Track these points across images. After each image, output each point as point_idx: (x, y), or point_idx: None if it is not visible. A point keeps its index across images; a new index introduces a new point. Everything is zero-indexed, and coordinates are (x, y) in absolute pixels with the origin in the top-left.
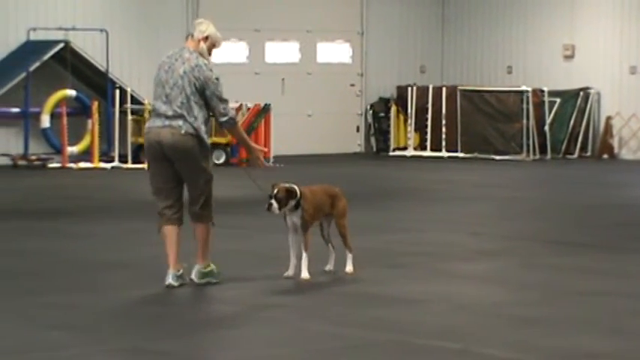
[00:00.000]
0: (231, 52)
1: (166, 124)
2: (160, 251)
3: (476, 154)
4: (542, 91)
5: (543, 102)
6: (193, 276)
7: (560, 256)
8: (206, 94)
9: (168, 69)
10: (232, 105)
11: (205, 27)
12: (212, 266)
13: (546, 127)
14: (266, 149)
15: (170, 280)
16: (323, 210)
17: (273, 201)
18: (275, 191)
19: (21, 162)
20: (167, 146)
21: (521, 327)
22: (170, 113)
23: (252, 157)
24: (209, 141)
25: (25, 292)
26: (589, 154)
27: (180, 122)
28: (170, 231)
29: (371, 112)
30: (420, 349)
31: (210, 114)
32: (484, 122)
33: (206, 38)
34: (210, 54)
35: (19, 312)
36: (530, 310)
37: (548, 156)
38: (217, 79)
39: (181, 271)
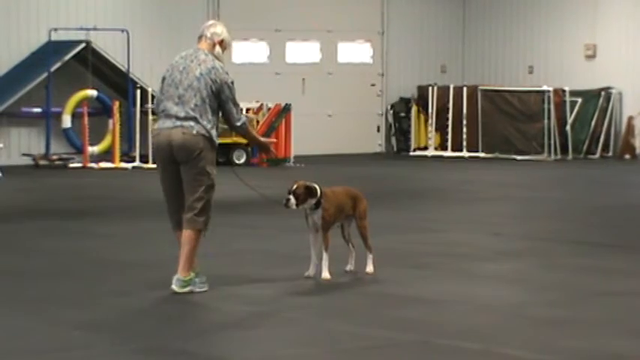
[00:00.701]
0: (251, 52)
1: (177, 125)
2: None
3: (497, 154)
4: (564, 91)
5: (565, 102)
6: (174, 286)
7: (582, 256)
8: (221, 98)
9: (182, 69)
10: (253, 105)
11: (220, 30)
12: (192, 274)
13: (568, 127)
14: (275, 140)
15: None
16: (344, 211)
17: (290, 196)
18: (294, 187)
19: (42, 162)
20: (177, 146)
21: (544, 327)
22: (182, 115)
23: (266, 150)
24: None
25: (48, 292)
26: (610, 154)
27: (192, 123)
28: (181, 236)
29: (391, 112)
30: (442, 350)
31: (223, 118)
32: (505, 122)
33: (221, 42)
34: (223, 52)
35: (42, 312)
36: (552, 311)
37: (570, 156)
38: (232, 82)
39: (197, 271)
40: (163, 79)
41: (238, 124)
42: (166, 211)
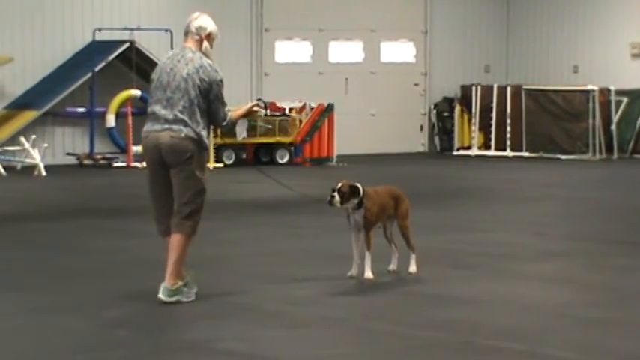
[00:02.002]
0: (295, 52)
1: (166, 127)
2: (224, 250)
3: (541, 154)
4: (609, 90)
5: (610, 101)
6: (160, 294)
7: (627, 256)
8: (209, 97)
9: (170, 70)
10: (296, 104)
11: (206, 23)
12: (180, 283)
13: (613, 127)
14: (255, 102)
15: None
16: (386, 211)
17: (335, 194)
18: (339, 185)
19: (87, 161)
20: (165, 149)
21: (588, 328)
22: (171, 117)
23: (251, 113)
24: (210, 143)
25: (91, 291)
26: None
27: (180, 126)
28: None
29: (435, 111)
30: (485, 350)
31: (208, 117)
32: (549, 122)
33: (209, 36)
34: (211, 47)
35: (84, 310)
36: (596, 311)
37: (615, 156)
38: (221, 80)
39: (186, 280)
40: (152, 81)
41: (223, 123)
42: (154, 217)
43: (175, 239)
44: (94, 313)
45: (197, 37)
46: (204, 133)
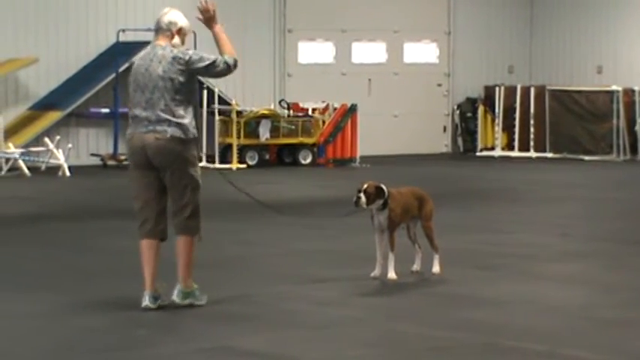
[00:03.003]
0: (318, 53)
1: (150, 129)
2: (246, 251)
3: (564, 155)
4: (633, 91)
5: (634, 102)
6: (175, 297)
7: None
8: (199, 71)
9: (145, 72)
10: (319, 105)
11: (176, 17)
12: (195, 285)
13: (637, 127)
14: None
15: (147, 301)
16: (410, 212)
17: (362, 194)
18: (364, 186)
19: (110, 162)
20: (151, 152)
21: (611, 329)
22: (153, 118)
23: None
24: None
25: (113, 291)
26: None
27: (165, 126)
28: (147, 246)
29: (458, 112)
30: (508, 351)
31: (216, 75)
32: (573, 122)
33: (179, 30)
34: (183, 43)
35: (107, 310)
36: (620, 312)
37: (639, 156)
38: (196, 54)
39: (159, 292)
40: (129, 84)
41: (231, 61)
42: (140, 220)
43: (182, 242)
44: (115, 313)
45: (168, 33)
46: (191, 128)
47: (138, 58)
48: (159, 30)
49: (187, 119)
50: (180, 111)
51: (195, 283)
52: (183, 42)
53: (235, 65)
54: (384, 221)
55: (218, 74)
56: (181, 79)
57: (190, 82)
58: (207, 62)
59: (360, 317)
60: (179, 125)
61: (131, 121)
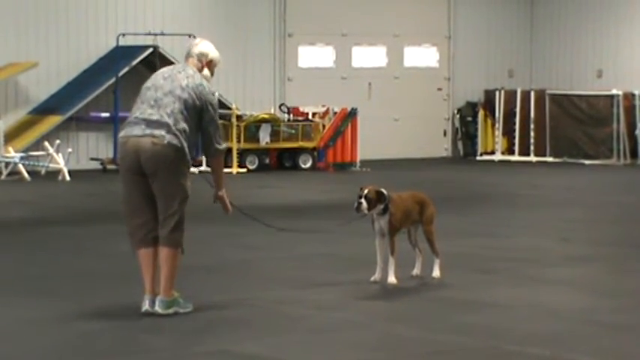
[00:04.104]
0: (318, 57)
1: (147, 133)
2: (247, 255)
3: (565, 159)
4: (633, 95)
5: (634, 106)
6: (157, 307)
7: None
8: (204, 119)
9: (167, 77)
10: (319, 109)
11: (207, 49)
12: (176, 294)
13: (637, 131)
14: (230, 210)
15: (147, 306)
16: (411, 216)
17: (363, 200)
18: (365, 192)
19: (110, 166)
20: (145, 157)
21: (613, 334)
22: (155, 118)
23: (219, 196)
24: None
25: (113, 295)
26: None
27: (163, 132)
28: (144, 255)
29: (458, 116)
30: (509, 355)
31: (202, 143)
32: (573, 126)
33: (210, 62)
34: (212, 75)
35: (107, 314)
36: (621, 317)
37: (639, 160)
38: (217, 104)
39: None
40: (145, 88)
41: (220, 147)
42: (127, 226)
43: (165, 254)
44: (115, 317)
45: (198, 64)
46: (185, 144)
47: (165, 68)
48: (189, 57)
49: (185, 136)
50: (183, 124)
51: (177, 291)
52: (212, 73)
53: (222, 152)
54: (385, 225)
55: (210, 133)
56: (197, 103)
57: (198, 116)
58: (215, 118)
59: (360, 321)
60: (177, 134)
61: (127, 124)
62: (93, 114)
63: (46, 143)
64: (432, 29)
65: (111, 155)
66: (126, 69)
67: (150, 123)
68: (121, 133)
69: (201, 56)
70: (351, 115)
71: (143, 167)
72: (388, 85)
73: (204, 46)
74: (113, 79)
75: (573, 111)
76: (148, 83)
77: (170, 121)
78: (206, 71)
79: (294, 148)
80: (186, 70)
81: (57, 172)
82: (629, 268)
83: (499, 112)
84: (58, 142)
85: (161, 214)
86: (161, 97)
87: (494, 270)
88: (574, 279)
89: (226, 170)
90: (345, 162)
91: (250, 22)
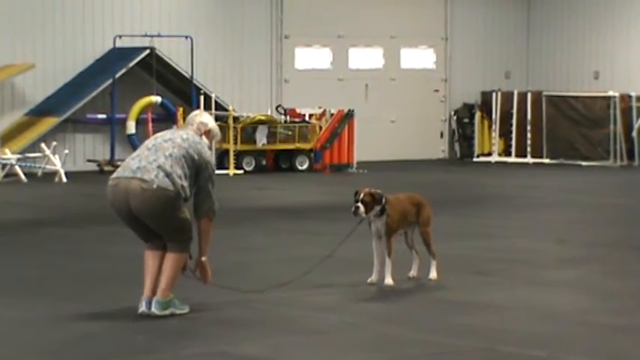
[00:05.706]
0: (314, 58)
1: (137, 176)
2: (245, 257)
3: (561, 160)
4: (630, 97)
5: (631, 107)
6: (153, 309)
7: None
8: (201, 177)
9: (167, 132)
10: (316, 111)
11: (207, 120)
12: (171, 295)
13: (634, 133)
14: (210, 281)
15: (144, 307)
16: (408, 218)
17: (359, 204)
18: (361, 195)
19: (107, 168)
20: (135, 202)
21: (610, 335)
22: (152, 158)
23: (201, 263)
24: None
25: (111, 296)
26: None
27: (152, 175)
28: (151, 256)
29: (455, 117)
30: (506, 357)
31: (195, 201)
32: (570, 128)
33: (208, 132)
34: (210, 147)
35: (104, 316)
36: (617, 318)
37: (636, 162)
38: (214, 167)
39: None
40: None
41: (215, 207)
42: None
43: (171, 256)
44: (112, 319)
45: (198, 132)
46: (181, 191)
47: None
48: (189, 125)
49: (179, 184)
50: (179, 171)
51: (172, 293)
52: (210, 144)
53: (215, 213)
54: (382, 227)
55: (207, 191)
56: (196, 158)
57: (195, 170)
58: (213, 178)
59: (357, 323)
60: (169, 176)
61: (121, 166)
62: (89, 115)
63: (43, 145)
64: (428, 31)
65: (108, 157)
66: (122, 71)
67: (142, 164)
68: (112, 175)
69: (200, 125)
70: (347, 117)
71: (134, 211)
72: (385, 87)
73: (203, 117)
74: (110, 81)
75: (570, 112)
76: (146, 140)
77: (165, 165)
78: (204, 139)
79: (290, 150)
80: (187, 132)
81: (53, 173)
82: (626, 270)
83: (496, 114)
84: (54, 143)
85: (164, 238)
86: (160, 143)
87: (491, 271)
88: (571, 280)
89: (223, 172)
90: (342, 163)
91: (247, 23)
